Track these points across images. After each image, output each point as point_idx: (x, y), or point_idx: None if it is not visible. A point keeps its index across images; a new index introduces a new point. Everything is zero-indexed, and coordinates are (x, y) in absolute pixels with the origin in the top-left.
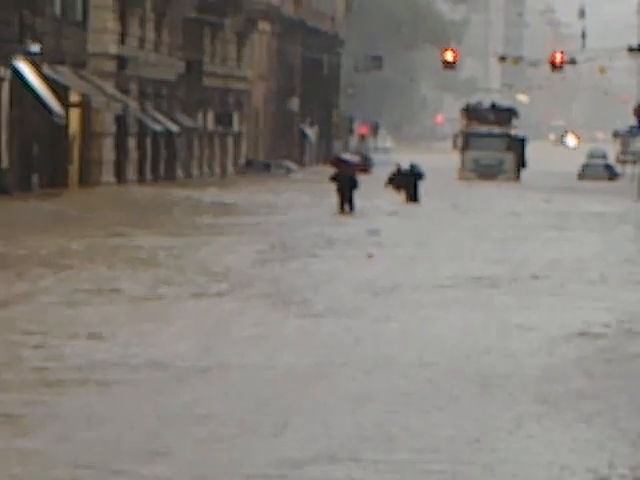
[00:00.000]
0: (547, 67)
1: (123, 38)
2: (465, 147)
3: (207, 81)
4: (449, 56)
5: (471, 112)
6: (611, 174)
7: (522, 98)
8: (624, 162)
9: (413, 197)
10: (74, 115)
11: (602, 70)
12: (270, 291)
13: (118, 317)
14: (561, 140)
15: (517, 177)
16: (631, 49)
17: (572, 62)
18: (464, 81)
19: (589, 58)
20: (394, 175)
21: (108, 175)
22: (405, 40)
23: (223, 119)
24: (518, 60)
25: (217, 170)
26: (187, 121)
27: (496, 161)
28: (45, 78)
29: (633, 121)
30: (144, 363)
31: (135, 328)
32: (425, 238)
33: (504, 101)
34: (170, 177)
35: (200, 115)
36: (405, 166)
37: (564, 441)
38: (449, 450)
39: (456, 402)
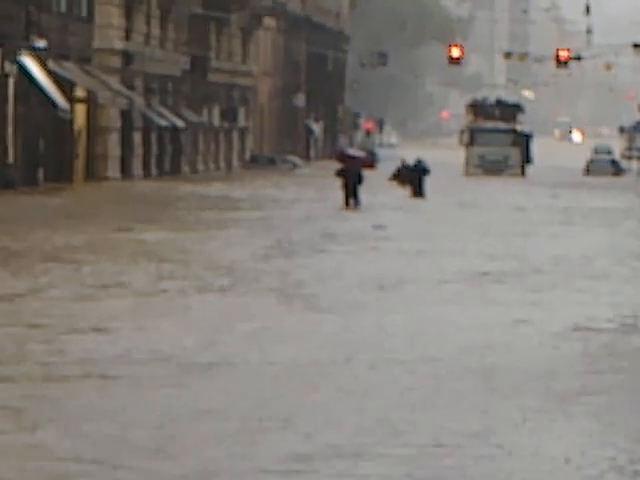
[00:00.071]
0: (552, 63)
1: (128, 34)
2: (471, 143)
3: (212, 77)
4: (455, 52)
5: (477, 108)
6: (616, 170)
7: (527, 94)
8: (629, 158)
9: (418, 192)
10: (80, 110)
11: (607, 66)
12: (275, 286)
13: (123, 311)
14: (566, 136)
15: (523, 173)
16: (636, 45)
17: (577, 58)
18: (469, 77)
19: (594, 55)
20: (399, 170)
21: (113, 170)
22: (411, 36)
23: (228, 114)
24: (523, 56)
25: (222, 165)
26: (192, 116)
27: (502, 157)
28: (51, 73)
29: (638, 117)
30: (148, 358)
31: (140, 322)
32: (430, 233)
33: (510, 97)
34: (175, 172)
35: (205, 110)
36: (411, 161)
37: (569, 435)
38: (454, 444)
39: (460, 397)
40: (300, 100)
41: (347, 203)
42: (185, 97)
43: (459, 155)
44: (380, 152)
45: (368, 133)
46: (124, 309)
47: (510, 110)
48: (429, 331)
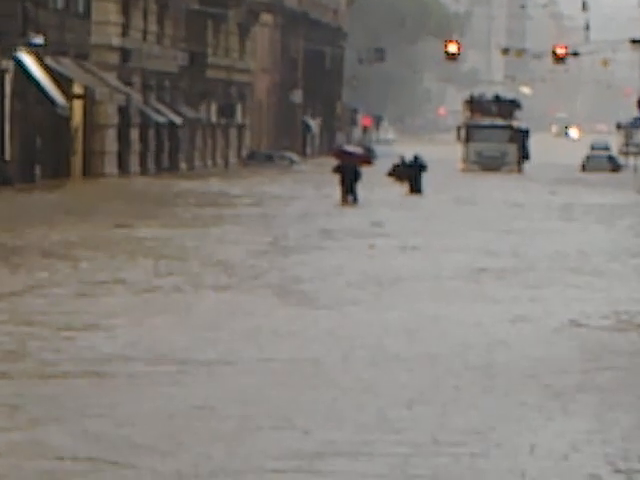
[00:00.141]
0: (550, 59)
1: (126, 30)
2: (468, 139)
3: (210, 73)
4: (452, 48)
5: (474, 104)
6: (614, 166)
7: (525, 90)
8: (627, 154)
9: (416, 188)
10: (77, 107)
11: (605, 63)
12: (273, 282)
13: (121, 308)
14: (563, 132)
15: (520, 169)
16: (634, 41)
17: (575, 54)
18: (467, 73)
19: (592, 51)
20: (397, 166)
21: (111, 166)
22: (408, 32)
23: (226, 111)
24: (521, 52)
25: (220, 162)
26: (190, 113)
27: (499, 153)
28: (48, 70)
29: (636, 113)
30: (146, 355)
31: (138, 320)
32: (428, 229)
33: (507, 93)
34: (173, 169)
35: (203, 107)
36: (408, 158)
37: (567, 433)
38: (452, 442)
39: (459, 394)
40: (297, 96)
41: (344, 199)
42: (183, 93)
43: (456, 151)
44: (377, 148)
45: (365, 129)
46: (122, 306)
47: (507, 106)
48: (427, 328)
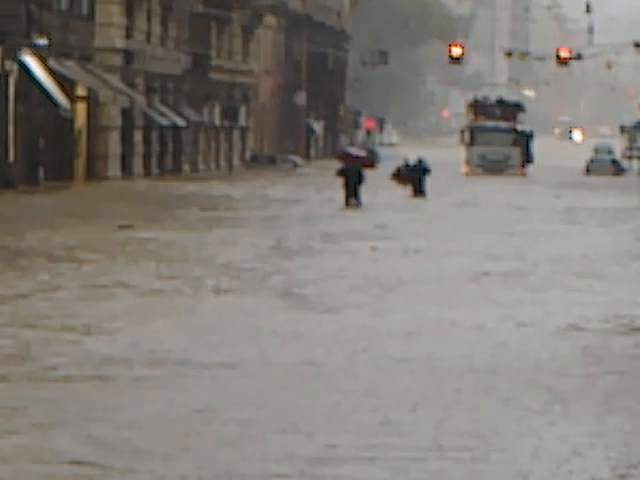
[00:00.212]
0: (553, 62)
1: (130, 32)
2: (471, 142)
3: (213, 75)
4: (456, 51)
5: (478, 107)
6: (617, 169)
7: (529, 93)
8: (630, 157)
9: (419, 191)
10: (80, 109)
11: (608, 65)
12: (275, 285)
13: (122, 311)
14: (566, 135)
15: (524, 172)
16: (637, 44)
17: (578, 57)
18: (470, 76)
19: (595, 53)
20: (400, 169)
21: (114, 169)
22: (411, 35)
23: (229, 113)
24: (525, 55)
25: (223, 164)
26: (193, 115)
27: (503, 156)
28: (52, 72)
29: (639, 116)
30: (148, 358)
31: (140, 323)
32: (431, 233)
33: (511, 96)
34: (176, 171)
35: (206, 109)
36: (412, 161)
37: (569, 436)
38: (455, 446)
39: (461, 397)
40: (301, 99)
41: (348, 202)
42: (186, 96)
43: (460, 154)
44: (381, 151)
45: (369, 132)
46: (124, 309)
47: (511, 109)
48: (429, 331)
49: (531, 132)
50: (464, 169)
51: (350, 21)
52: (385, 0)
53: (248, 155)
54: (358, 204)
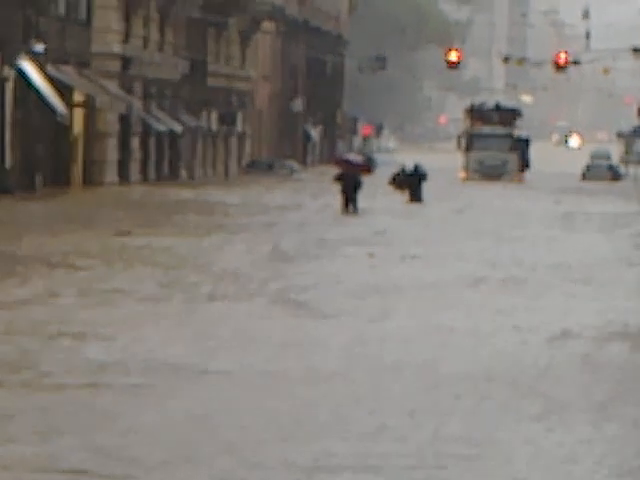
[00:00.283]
0: (551, 68)
1: (127, 38)
2: (469, 148)
3: (211, 81)
4: (453, 56)
5: (475, 112)
6: (615, 175)
7: (526, 99)
8: (627, 163)
9: (416, 197)
10: (78, 115)
11: (606, 71)
12: (272, 292)
13: (119, 318)
14: (564, 141)
15: (521, 178)
16: (635, 50)
17: (576, 63)
18: (468, 81)
19: (593, 59)
20: (397, 175)
21: (111, 175)
22: (409, 40)
23: (227, 119)
24: (522, 61)
25: (220, 170)
26: (191, 121)
27: (500, 162)
28: (49, 78)
29: (637, 122)
30: (144, 365)
31: (136, 329)
32: (428, 238)
33: (508, 101)
34: (173, 177)
35: (204, 115)
36: (409, 166)
37: (567, 443)
38: (453, 453)
39: (459, 403)
40: (298, 105)
41: (345, 208)
42: (183, 101)
43: (457, 160)
44: (378, 157)
45: (366, 138)
46: (120, 315)
47: (508, 115)
48: (426, 337)
49: (528, 138)
50: (461, 175)
51: (347, 26)
52: (383, 6)
53: (245, 161)
54: (355, 211)
